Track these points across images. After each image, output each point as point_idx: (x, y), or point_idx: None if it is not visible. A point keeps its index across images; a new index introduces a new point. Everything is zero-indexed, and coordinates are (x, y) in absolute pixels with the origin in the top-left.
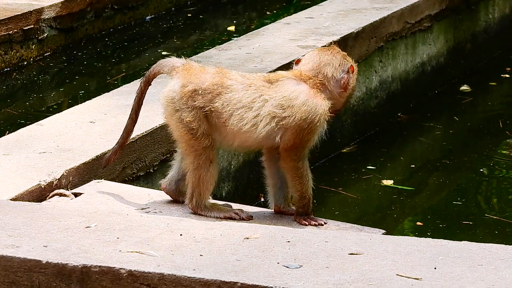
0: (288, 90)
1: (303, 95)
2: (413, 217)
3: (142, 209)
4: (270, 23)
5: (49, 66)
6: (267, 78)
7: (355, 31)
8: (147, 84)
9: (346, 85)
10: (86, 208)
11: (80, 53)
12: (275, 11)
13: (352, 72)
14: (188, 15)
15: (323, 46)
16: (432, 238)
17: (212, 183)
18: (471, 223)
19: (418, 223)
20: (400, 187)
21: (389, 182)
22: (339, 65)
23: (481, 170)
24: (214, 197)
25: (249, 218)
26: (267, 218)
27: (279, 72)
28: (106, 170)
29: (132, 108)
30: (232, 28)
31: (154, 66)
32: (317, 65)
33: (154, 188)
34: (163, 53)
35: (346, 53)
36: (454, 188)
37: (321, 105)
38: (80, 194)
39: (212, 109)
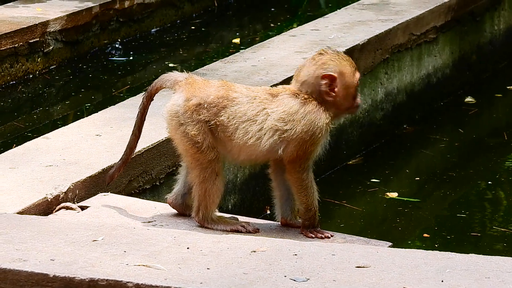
0: (287, 104)
1: (302, 109)
2: (419, 229)
3: (149, 222)
4: (274, 35)
5: (55, 79)
6: (270, 91)
7: (360, 43)
8: (149, 99)
9: (328, 93)
10: (93, 221)
11: (86, 66)
12: (279, 23)
13: (329, 78)
14: (192, 27)
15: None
16: (440, 249)
17: (218, 196)
18: (479, 234)
19: (425, 235)
20: (405, 199)
21: (393, 195)
22: (315, 77)
23: (489, 182)
24: (220, 210)
25: (256, 231)
26: (273, 231)
27: (279, 86)
28: (113, 183)
29: (135, 124)
30: (237, 40)
31: (156, 81)
32: (299, 83)
33: (160, 201)
34: (170, 65)
35: (330, 58)
36: (460, 200)
37: (321, 117)
38: (87, 207)
39: (218, 123)
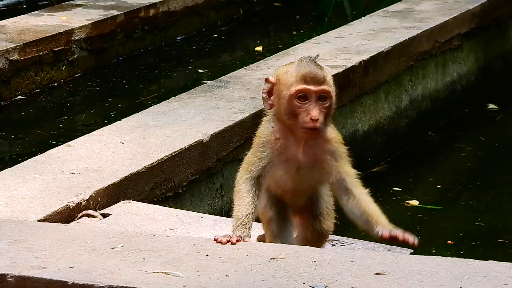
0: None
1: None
2: (443, 237)
3: (170, 229)
4: (299, 43)
5: (80, 87)
6: None
7: (384, 50)
8: None
9: (265, 99)
10: (113, 229)
11: (111, 74)
12: (302, 31)
13: (267, 82)
14: (217, 35)
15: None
16: (466, 257)
17: None
18: (506, 241)
19: (449, 242)
20: (429, 207)
21: (415, 203)
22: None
23: None
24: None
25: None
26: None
27: None
28: (135, 191)
29: None
30: (259, 48)
31: None
32: None
33: (182, 209)
34: (199, 70)
35: (287, 63)
36: (484, 208)
37: (264, 128)
38: (109, 214)
39: None
